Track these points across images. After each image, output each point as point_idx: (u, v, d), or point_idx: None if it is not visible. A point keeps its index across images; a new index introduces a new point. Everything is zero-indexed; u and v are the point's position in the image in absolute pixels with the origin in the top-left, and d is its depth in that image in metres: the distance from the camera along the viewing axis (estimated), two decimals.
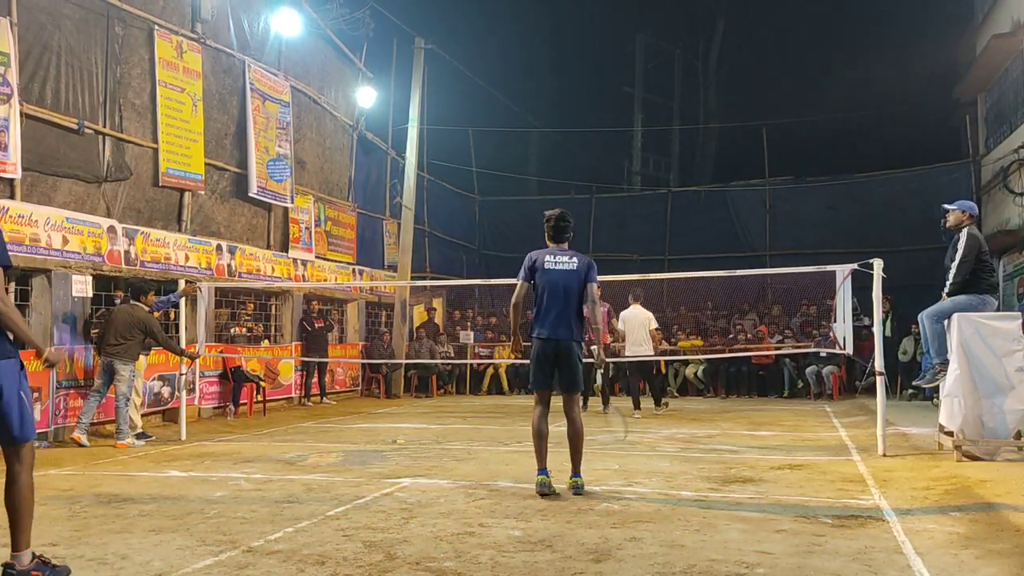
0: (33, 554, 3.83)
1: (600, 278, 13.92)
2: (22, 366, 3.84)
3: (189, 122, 11.92)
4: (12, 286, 9.32)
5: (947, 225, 7.65)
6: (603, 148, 29.67)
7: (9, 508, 3.79)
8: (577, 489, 5.82)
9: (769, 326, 16.41)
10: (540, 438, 5.90)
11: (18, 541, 3.79)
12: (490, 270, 21.23)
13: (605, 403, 12.55)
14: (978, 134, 17.65)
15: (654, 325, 12.26)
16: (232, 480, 6.65)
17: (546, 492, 5.72)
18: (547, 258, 6.04)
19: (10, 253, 9.26)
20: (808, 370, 14.74)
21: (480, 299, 20.62)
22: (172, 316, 11.48)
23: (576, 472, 5.94)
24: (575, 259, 6.02)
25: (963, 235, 7.36)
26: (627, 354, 12.11)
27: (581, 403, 6.01)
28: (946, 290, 7.43)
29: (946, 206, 7.71)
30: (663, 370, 14.23)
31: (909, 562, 4.05)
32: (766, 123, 20.63)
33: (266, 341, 13.66)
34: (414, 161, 16.79)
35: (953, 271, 7.33)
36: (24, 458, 3.83)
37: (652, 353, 12.16)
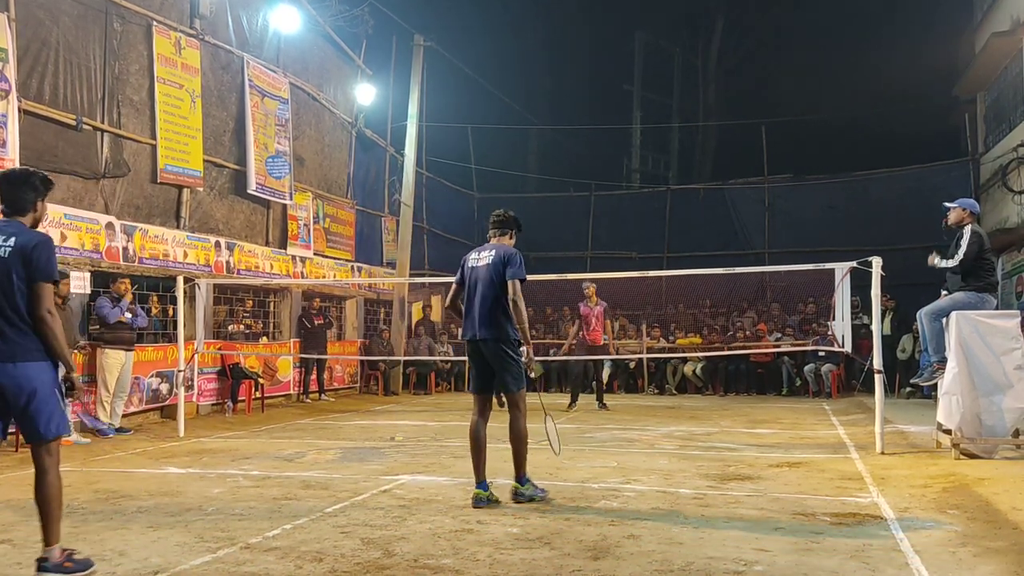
0: (62, 548, 3.97)
1: (599, 275, 13.97)
2: (55, 366, 4.03)
3: (187, 118, 11.89)
4: None
5: (948, 223, 7.65)
6: (602, 146, 29.66)
7: (39, 503, 3.95)
8: (518, 496, 5.47)
9: (768, 324, 16.41)
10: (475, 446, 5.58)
11: (49, 535, 3.93)
12: None
13: (600, 399, 12.51)
14: (977, 132, 17.65)
15: None
16: (230, 477, 6.65)
17: (480, 505, 5.35)
18: (472, 254, 5.80)
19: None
20: (807, 368, 14.74)
21: None
22: (171, 313, 11.48)
23: (516, 475, 5.56)
24: (493, 252, 5.66)
25: (966, 231, 7.35)
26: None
27: (520, 404, 5.53)
28: (951, 263, 7.36)
29: (947, 204, 7.70)
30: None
31: (907, 560, 4.06)
32: (765, 121, 20.59)
33: (264, 338, 13.65)
34: (413, 158, 16.77)
35: (954, 260, 7.30)
36: (52, 454, 3.99)
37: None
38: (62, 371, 4.10)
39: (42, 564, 3.93)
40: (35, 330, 3.95)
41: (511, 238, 5.90)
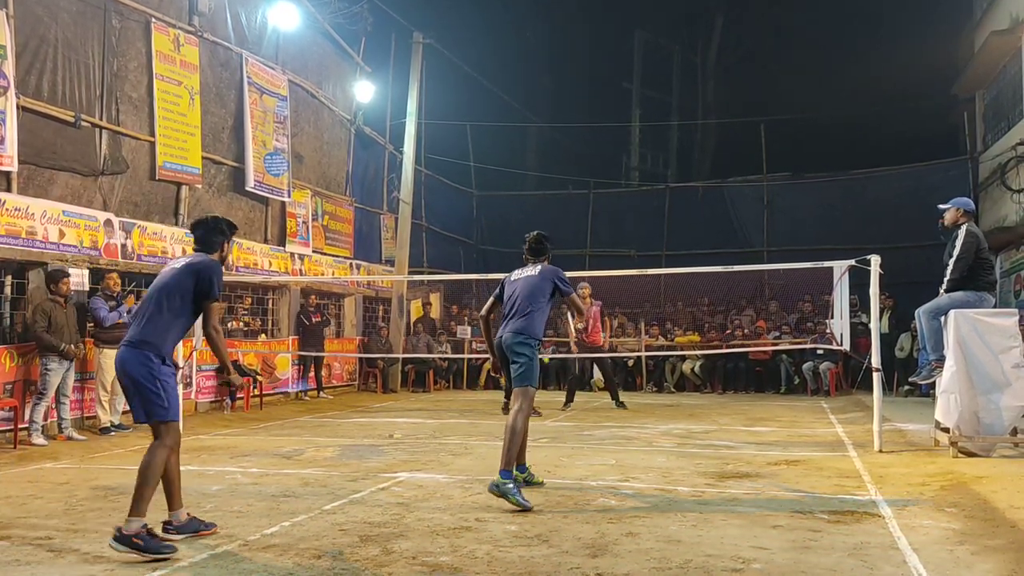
0: (144, 525, 4.26)
1: (598, 273, 13.85)
2: (164, 361, 4.52)
3: (186, 116, 11.88)
4: (9, 279, 9.31)
5: (944, 224, 7.66)
6: (601, 144, 29.64)
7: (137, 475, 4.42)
8: (492, 487, 5.36)
9: (766, 322, 16.42)
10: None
11: (131, 507, 4.29)
12: (487, 265, 21.19)
13: (614, 397, 12.39)
14: (976, 131, 17.65)
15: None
16: (228, 474, 6.64)
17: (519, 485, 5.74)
18: (514, 272, 6.26)
19: (7, 246, 9.25)
20: (805, 366, 14.74)
21: (478, 294, 20.60)
22: None
23: (501, 467, 5.45)
24: (539, 268, 6.11)
25: (961, 232, 7.37)
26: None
27: (522, 400, 5.71)
28: (943, 287, 7.44)
29: (941, 206, 7.70)
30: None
31: (905, 558, 4.06)
32: (764, 119, 20.61)
33: (263, 335, 13.65)
34: (412, 156, 16.76)
35: (951, 267, 7.34)
36: (159, 436, 4.48)
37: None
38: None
39: (116, 532, 4.21)
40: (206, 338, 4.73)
41: (548, 260, 6.26)
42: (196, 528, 4.60)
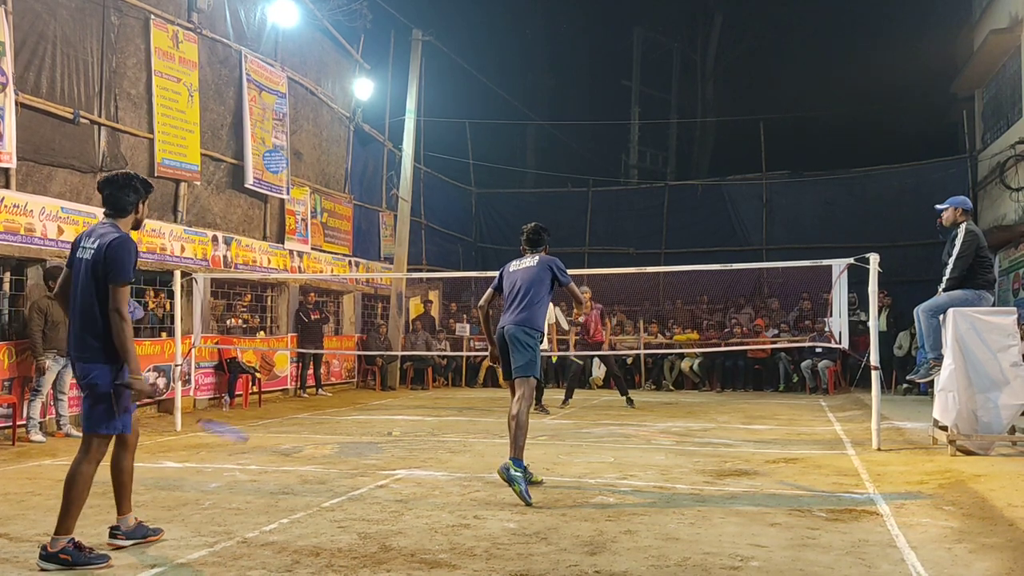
0: (71, 539, 4.01)
1: (597, 271, 13.74)
2: (119, 369, 4.16)
3: (185, 112, 11.87)
4: (7, 276, 9.30)
5: (943, 224, 7.66)
6: (600, 141, 29.61)
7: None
8: (503, 469, 5.47)
9: (765, 320, 16.43)
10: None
11: (59, 526, 4.03)
12: (486, 263, 21.21)
13: (623, 393, 12.35)
14: (975, 129, 17.65)
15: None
16: (227, 471, 6.65)
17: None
18: (512, 263, 6.33)
19: (5, 243, 9.25)
20: (803, 364, 14.76)
21: (476, 292, 20.59)
22: (167, 307, 11.46)
23: (511, 455, 5.58)
24: (537, 259, 6.18)
25: (961, 230, 7.37)
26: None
27: (525, 389, 5.79)
28: (943, 285, 7.44)
29: (938, 207, 7.71)
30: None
31: (902, 556, 4.07)
32: (763, 117, 20.60)
33: (262, 332, 13.64)
34: (411, 153, 16.75)
35: (950, 266, 7.35)
36: (87, 447, 4.19)
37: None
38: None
39: (41, 550, 4.00)
40: (104, 329, 4.12)
41: (546, 251, 6.35)
42: (144, 534, 4.38)
